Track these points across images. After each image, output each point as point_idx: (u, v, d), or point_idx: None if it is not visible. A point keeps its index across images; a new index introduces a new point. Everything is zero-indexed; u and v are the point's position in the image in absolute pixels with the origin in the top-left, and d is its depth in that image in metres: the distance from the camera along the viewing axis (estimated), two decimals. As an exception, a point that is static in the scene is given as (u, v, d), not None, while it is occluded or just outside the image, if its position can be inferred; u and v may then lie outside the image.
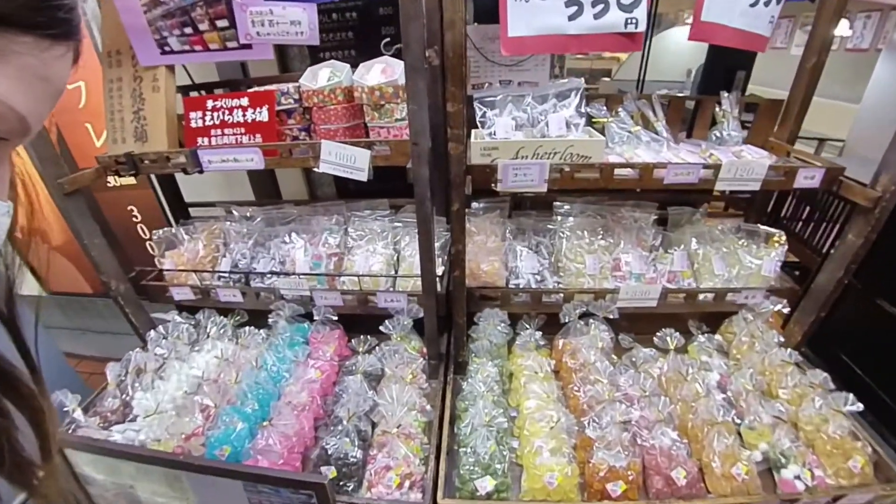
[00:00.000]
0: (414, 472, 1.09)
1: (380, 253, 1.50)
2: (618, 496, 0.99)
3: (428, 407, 1.27)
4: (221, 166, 1.17)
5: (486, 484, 1.03)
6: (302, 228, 1.55)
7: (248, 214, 1.60)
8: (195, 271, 1.48)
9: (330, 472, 1.08)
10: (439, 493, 1.03)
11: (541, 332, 1.42)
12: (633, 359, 1.27)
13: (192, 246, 1.56)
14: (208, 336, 1.43)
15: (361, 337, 1.45)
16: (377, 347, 1.42)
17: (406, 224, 1.56)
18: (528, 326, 1.44)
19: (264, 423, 1.12)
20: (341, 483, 1.07)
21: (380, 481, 1.06)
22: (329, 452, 1.11)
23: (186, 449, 1.10)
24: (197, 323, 1.49)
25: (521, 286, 1.42)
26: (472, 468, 1.06)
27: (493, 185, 1.15)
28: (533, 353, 1.38)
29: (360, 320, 1.50)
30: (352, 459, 1.10)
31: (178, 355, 1.36)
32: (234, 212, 1.60)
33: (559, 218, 1.47)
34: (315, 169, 1.20)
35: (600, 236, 1.42)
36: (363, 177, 1.19)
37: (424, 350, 1.48)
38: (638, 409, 1.13)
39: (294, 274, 1.43)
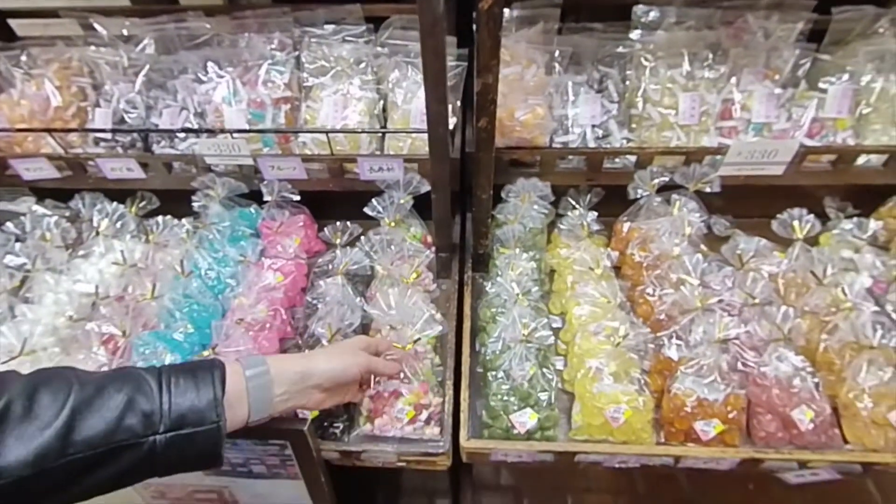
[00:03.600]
0: (430, 403, 0.92)
1: (356, 96, 1.13)
2: (710, 439, 0.85)
3: (438, 315, 1.07)
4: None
5: (525, 419, 0.88)
6: (224, 56, 1.14)
7: (124, 32, 1.15)
8: (50, 131, 1.11)
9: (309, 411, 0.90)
10: (463, 432, 0.88)
11: (595, 213, 1.15)
12: (737, 251, 1.03)
13: (34, 89, 1.15)
14: (97, 233, 1.14)
15: (338, 223, 1.18)
16: (362, 237, 1.15)
17: (394, 49, 1.15)
18: (575, 204, 1.17)
19: (205, 353, 0.91)
20: (326, 424, 0.91)
21: (387, 411, 0.90)
22: (306, 384, 0.92)
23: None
24: (75, 215, 1.19)
25: (570, 144, 1.10)
26: (505, 398, 0.90)
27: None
28: (584, 242, 1.13)
29: (334, 199, 1.22)
30: (338, 392, 0.92)
31: (48, 264, 1.09)
32: (99, 27, 1.15)
33: (640, 33, 1.07)
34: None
35: (707, 63, 1.05)
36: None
37: (429, 238, 1.23)
38: (741, 322, 0.93)
39: (223, 132, 1.07)
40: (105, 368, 0.94)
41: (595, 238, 1.17)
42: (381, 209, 1.15)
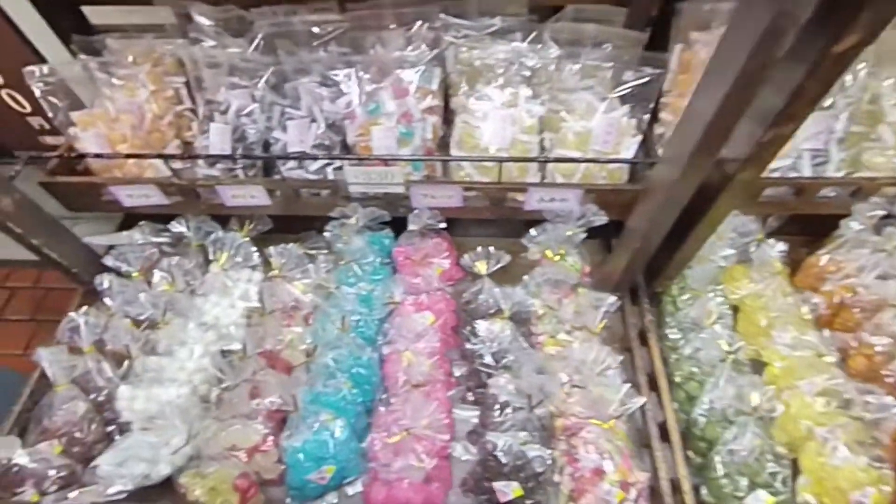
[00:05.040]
0: (637, 479, 0.83)
1: (523, 109, 0.94)
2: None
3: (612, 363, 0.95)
4: None
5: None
6: (356, 56, 0.94)
7: (226, 14, 0.94)
8: (165, 157, 0.93)
9: (512, 489, 0.81)
10: (687, 516, 0.80)
11: (786, 245, 1.02)
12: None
13: (127, 96, 0.94)
14: (211, 262, 0.98)
15: (480, 250, 1.02)
16: (525, 277, 1.02)
17: (569, 46, 0.95)
18: (759, 231, 1.03)
19: (393, 435, 0.79)
20: (528, 503, 0.82)
21: (590, 490, 0.81)
22: (500, 458, 0.82)
23: (251, 477, 0.79)
24: (177, 239, 1.02)
25: (781, 170, 0.94)
26: (731, 477, 0.80)
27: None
28: (773, 278, 1.00)
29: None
30: (537, 466, 0.82)
31: (173, 308, 0.91)
32: (198, 17, 0.93)
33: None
34: None
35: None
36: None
37: (587, 270, 1.08)
38: None
39: (372, 159, 0.89)
40: (271, 439, 0.83)
41: (782, 269, 1.04)
42: (537, 239, 1.01)
